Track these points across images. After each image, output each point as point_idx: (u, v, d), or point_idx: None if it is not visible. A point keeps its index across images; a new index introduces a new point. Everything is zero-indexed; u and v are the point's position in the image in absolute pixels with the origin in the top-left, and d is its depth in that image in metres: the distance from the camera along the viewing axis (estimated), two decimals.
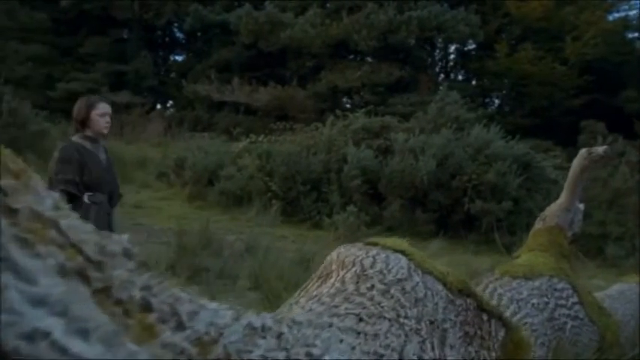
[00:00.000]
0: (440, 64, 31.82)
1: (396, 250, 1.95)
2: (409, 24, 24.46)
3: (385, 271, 1.83)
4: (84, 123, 4.40)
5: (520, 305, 3.23)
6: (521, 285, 3.43)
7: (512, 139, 13.66)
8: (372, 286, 1.74)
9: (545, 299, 3.45)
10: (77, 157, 4.27)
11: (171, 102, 32.33)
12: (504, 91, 29.04)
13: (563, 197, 4.26)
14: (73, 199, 4.09)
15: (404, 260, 1.91)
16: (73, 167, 4.22)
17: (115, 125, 24.25)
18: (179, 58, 34.01)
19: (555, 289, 3.59)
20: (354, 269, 1.85)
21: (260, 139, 15.09)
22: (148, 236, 10.46)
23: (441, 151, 12.95)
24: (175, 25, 31.58)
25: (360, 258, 1.90)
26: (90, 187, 4.26)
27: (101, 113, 4.42)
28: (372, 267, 1.85)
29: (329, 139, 14.14)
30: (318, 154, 13.94)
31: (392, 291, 1.79)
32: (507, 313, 3.13)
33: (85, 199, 4.23)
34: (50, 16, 30.66)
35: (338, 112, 15.51)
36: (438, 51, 31.30)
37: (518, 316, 3.15)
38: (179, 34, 33.16)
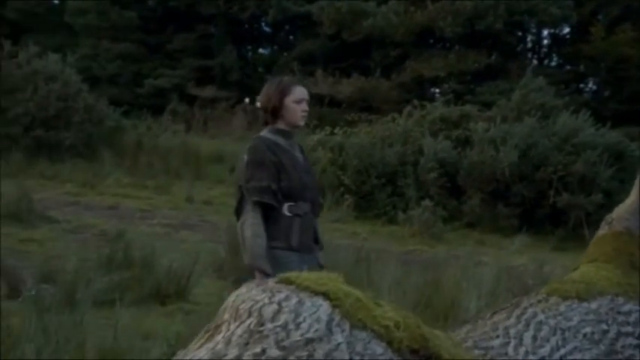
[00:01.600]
0: (532, 50, 30.42)
1: (315, 293, 1.36)
2: (497, 9, 23.38)
3: (291, 326, 1.26)
4: (276, 113, 3.50)
5: (566, 336, 2.55)
6: (571, 308, 2.73)
7: (602, 127, 12.61)
8: (263, 351, 1.16)
9: (604, 326, 2.74)
10: (272, 157, 3.37)
11: (252, 97, 32.09)
12: (600, 76, 27.42)
13: (633, 196, 3.52)
14: (270, 212, 3.35)
15: (324, 308, 1.32)
16: (268, 171, 3.35)
17: (199, 120, 24.22)
18: (264, 52, 33.82)
19: (619, 312, 2.86)
20: (248, 322, 1.28)
21: (336, 131, 14.55)
22: (210, 234, 10.07)
23: (523, 140, 12.08)
24: (260, 18, 31.33)
25: (261, 305, 1.33)
26: (290, 196, 3.39)
27: (297, 99, 3.50)
28: (273, 319, 1.27)
29: (405, 130, 13.46)
30: (393, 146, 13.29)
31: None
32: (546, 349, 2.47)
33: (285, 210, 3.38)
34: (139, 15, 31.00)
35: (415, 102, 14.79)
36: (529, 36, 29.92)
37: (562, 351, 2.47)
38: (264, 28, 32.95)
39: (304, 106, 3.52)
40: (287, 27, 32.10)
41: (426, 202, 11.71)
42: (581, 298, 2.82)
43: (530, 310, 2.66)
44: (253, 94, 33.41)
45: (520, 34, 28.75)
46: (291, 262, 3.25)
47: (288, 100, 3.47)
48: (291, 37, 32.22)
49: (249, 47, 34.29)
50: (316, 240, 3.60)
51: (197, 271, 7.41)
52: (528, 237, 11.18)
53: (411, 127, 13.49)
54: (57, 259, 7.55)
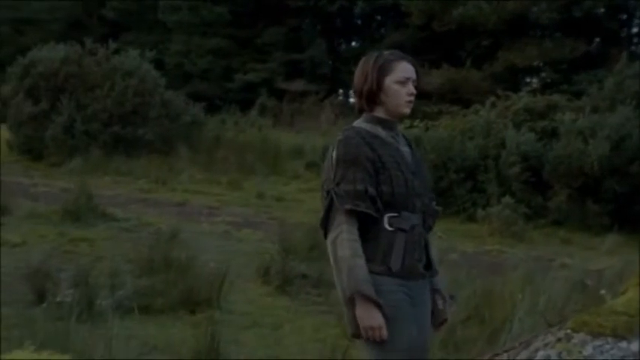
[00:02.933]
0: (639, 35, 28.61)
1: None
2: None
3: None
4: (373, 97, 2.68)
5: None
6: (602, 349, 2.09)
7: None
8: None
9: None
10: (369, 153, 2.57)
11: (343, 90, 31.74)
12: None
13: None
14: (365, 225, 2.56)
15: None
16: (364, 171, 2.55)
17: (286, 114, 23.97)
18: (353, 44, 33.33)
19: None
20: None
21: (415, 123, 13.86)
22: (273, 233, 9.62)
23: (616, 132, 11.07)
24: (349, 10, 30.84)
25: None
26: (392, 204, 2.59)
27: (401, 79, 2.65)
28: None
29: (487, 121, 12.64)
30: (474, 139, 12.51)
31: None
32: None
33: (386, 223, 2.59)
34: (229, 10, 31.07)
35: (500, 92, 13.93)
36: (636, 20, 28.14)
37: None
38: (353, 20, 32.44)
39: (410, 88, 2.66)
40: (376, 19, 31.45)
41: (506, 199, 10.90)
42: (617, 335, 2.17)
43: (541, 354, 2.03)
44: (342, 87, 33.16)
45: (624, 17, 27.06)
46: (391, 292, 2.55)
47: (389, 81, 2.65)
48: (381, 29, 31.56)
49: (339, 40, 33.84)
50: (429, 262, 2.72)
51: (243, 274, 6.99)
52: (620, 236, 10.23)
53: (494, 119, 12.66)
54: (101, 261, 7.29)
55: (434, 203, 2.84)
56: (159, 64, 31.78)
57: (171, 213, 10.85)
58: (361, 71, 2.71)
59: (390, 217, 2.59)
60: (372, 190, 2.55)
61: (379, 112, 2.69)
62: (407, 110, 2.70)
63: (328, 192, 2.58)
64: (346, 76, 30.92)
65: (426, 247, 2.71)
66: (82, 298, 5.35)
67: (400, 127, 2.79)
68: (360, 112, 2.74)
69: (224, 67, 31.20)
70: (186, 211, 11.24)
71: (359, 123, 2.71)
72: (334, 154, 2.60)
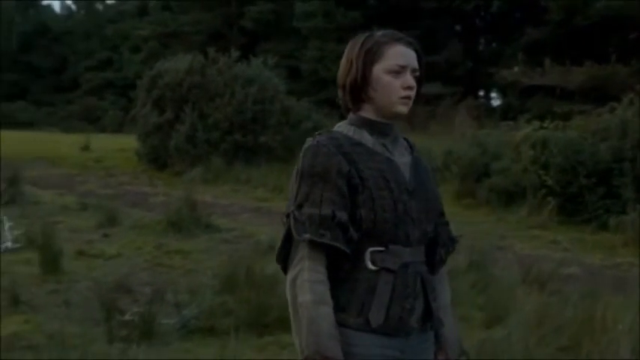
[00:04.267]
0: None
1: None
2: None
3: None
4: (358, 92, 2.06)
5: None
6: None
7: None
8: None
9: None
10: (342, 166, 1.95)
11: (482, 91, 30.71)
12: None
13: None
14: (337, 262, 1.96)
15: None
16: (333, 190, 1.94)
17: (419, 118, 23.37)
18: (489, 44, 32.17)
19: None
20: None
21: (545, 124, 12.93)
22: None
23: None
24: (484, 8, 29.77)
25: None
26: (375, 234, 1.96)
27: (393, 67, 2.02)
28: None
29: (623, 121, 11.53)
30: (608, 140, 11.43)
31: None
32: None
33: (367, 260, 1.96)
34: (363, 14, 30.86)
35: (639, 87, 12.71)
36: None
37: None
38: (489, 19, 31.30)
39: (407, 80, 2.02)
40: (514, 16, 30.17)
41: None
42: None
43: None
44: (480, 89, 32.11)
45: None
46: (369, 355, 1.95)
47: (379, 70, 2.01)
48: (519, 26, 30.25)
49: (475, 40, 32.79)
50: (429, 311, 2.04)
51: None
52: None
53: (630, 118, 11.53)
54: (190, 274, 7.10)
55: (447, 230, 2.21)
56: (294, 72, 32.27)
57: (280, 222, 10.58)
58: (345, 59, 2.09)
59: (373, 253, 1.96)
60: (341, 215, 1.92)
61: (367, 112, 2.07)
62: (402, 109, 2.04)
63: (288, 216, 1.98)
64: (484, 77, 29.93)
65: (425, 290, 2.03)
66: (147, 316, 5.10)
67: (397, 131, 2.13)
68: (347, 110, 2.13)
69: None
70: None
71: (340, 126, 2.11)
72: (298, 166, 2.02)
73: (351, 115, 2.11)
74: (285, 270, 1.99)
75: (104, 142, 20.11)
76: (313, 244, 1.91)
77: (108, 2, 54.36)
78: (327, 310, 1.89)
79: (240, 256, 7.07)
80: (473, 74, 30.77)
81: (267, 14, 34.62)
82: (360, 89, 2.05)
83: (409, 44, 2.08)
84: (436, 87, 28.02)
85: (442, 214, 2.21)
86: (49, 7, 57.52)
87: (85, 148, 18.88)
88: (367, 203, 1.95)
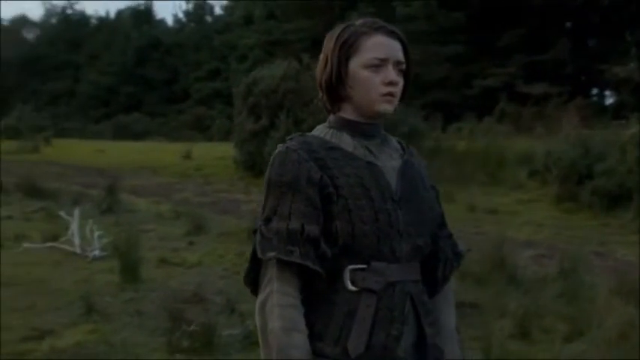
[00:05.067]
0: None
1: None
2: None
3: None
4: (335, 90, 1.84)
5: None
6: None
7: None
8: None
9: None
10: (315, 174, 1.73)
11: (595, 90, 29.46)
12: None
13: None
14: (315, 280, 1.73)
15: None
16: (303, 201, 1.71)
17: (526, 119, 22.64)
18: (599, 40, 30.80)
19: None
20: None
21: None
22: (477, 249, 8.79)
23: None
24: (594, 4, 28.49)
25: None
26: (355, 250, 1.72)
27: (372, 61, 1.78)
28: None
29: None
30: None
31: None
32: None
33: (346, 279, 1.73)
34: (466, 15, 30.25)
35: None
36: None
37: None
38: (599, 14, 29.95)
39: (388, 75, 1.77)
40: (626, 10, 28.72)
41: None
42: None
43: None
44: (590, 88, 30.82)
45: None
46: None
47: (355, 65, 1.78)
48: (632, 20, 28.82)
49: (584, 37, 31.46)
50: (422, 337, 1.77)
51: None
52: None
53: None
54: None
55: (450, 243, 1.94)
56: None
57: None
58: (322, 54, 1.86)
59: (354, 271, 1.71)
60: (311, 229, 1.68)
61: (346, 112, 1.84)
62: (385, 107, 1.79)
63: (255, 232, 1.77)
64: (594, 75, 28.64)
65: (417, 313, 1.76)
66: (210, 327, 5.02)
67: (381, 132, 1.87)
68: (329, 112, 1.91)
69: (462, 73, 30.38)
70: None
71: (317, 129, 1.90)
72: (265, 176, 1.81)
73: (330, 117, 1.89)
74: (254, 292, 1.77)
75: (206, 151, 20.46)
76: (282, 263, 1.69)
77: (216, 14, 55.71)
78: (299, 338, 1.66)
79: None
80: (582, 72, 29.53)
81: (366, 15, 34.49)
82: (337, 87, 1.82)
83: (391, 33, 1.82)
84: (543, 87, 27.11)
85: (443, 225, 1.96)
86: (162, 22, 59.24)
87: (187, 156, 19.24)
88: (343, 215, 1.71)
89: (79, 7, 68.56)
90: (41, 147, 22.07)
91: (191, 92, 46.93)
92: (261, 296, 1.71)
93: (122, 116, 42.79)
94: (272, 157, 1.79)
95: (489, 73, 29.45)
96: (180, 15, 57.41)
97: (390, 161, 1.83)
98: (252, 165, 15.79)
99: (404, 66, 1.83)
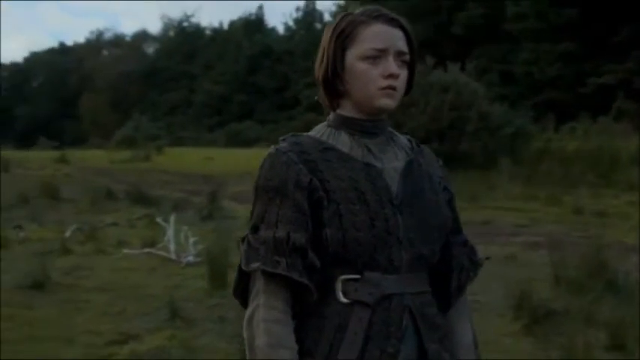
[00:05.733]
0: None
1: None
2: None
3: None
4: (333, 86, 1.68)
5: None
6: None
7: None
8: None
9: None
10: (303, 177, 1.59)
11: None
12: None
13: None
14: (302, 295, 1.59)
15: None
16: (292, 207, 1.58)
17: None
18: None
19: None
20: None
21: None
22: (570, 256, 8.41)
23: None
24: None
25: None
26: (347, 259, 1.58)
27: (369, 52, 1.63)
28: None
29: None
30: None
31: None
32: None
33: (338, 291, 1.59)
34: (578, 12, 29.20)
35: None
36: None
37: None
38: None
39: (388, 67, 1.61)
40: None
41: None
42: None
43: None
44: None
45: None
46: None
47: (352, 56, 1.64)
48: None
49: None
50: (425, 358, 1.60)
51: (498, 307, 6.06)
52: None
53: None
54: None
55: (465, 251, 1.76)
56: (507, 76, 31.19)
57: (469, 233, 10.10)
58: (320, 46, 1.70)
59: (346, 282, 1.57)
60: (297, 238, 1.54)
61: (345, 109, 1.69)
62: (385, 102, 1.63)
63: (243, 240, 1.63)
64: None
65: (417, 328, 1.59)
66: None
67: (386, 130, 1.72)
68: (332, 109, 1.73)
69: (575, 71, 29.31)
70: (488, 231, 10.40)
71: (315, 129, 1.74)
72: (255, 181, 1.65)
73: (330, 115, 1.74)
74: (243, 304, 1.65)
75: None
76: (269, 275, 1.55)
77: (325, 20, 56.14)
78: (285, 355, 1.53)
79: None
80: None
81: (477, 19, 33.78)
82: (334, 82, 1.67)
83: (391, 21, 1.65)
84: None
85: (457, 230, 1.78)
86: (273, 30, 60.34)
87: None
88: (334, 221, 1.56)
89: (194, 19, 70.59)
90: (153, 155, 22.84)
91: (301, 99, 47.48)
92: (248, 310, 1.59)
93: (235, 124, 43.85)
94: (263, 160, 1.66)
95: (605, 70, 28.31)
96: (291, 23, 58.25)
97: (393, 162, 1.68)
98: None
99: (407, 57, 1.66)
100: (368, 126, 1.68)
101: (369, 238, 1.56)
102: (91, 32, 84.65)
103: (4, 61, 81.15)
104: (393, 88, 1.63)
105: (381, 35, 1.63)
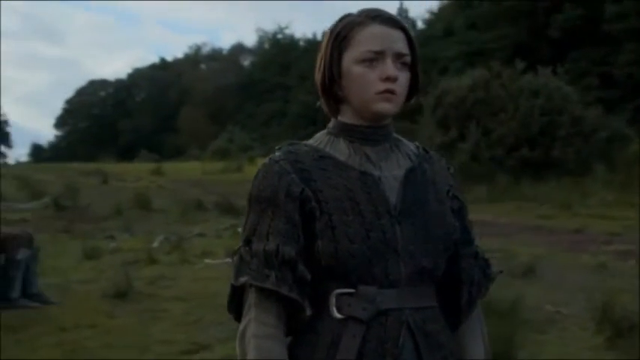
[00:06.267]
0: None
1: None
2: None
3: None
4: (331, 91, 1.63)
5: None
6: None
7: None
8: None
9: None
10: (295, 188, 1.53)
11: None
12: None
13: None
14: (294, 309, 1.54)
15: None
16: (282, 218, 1.52)
17: None
18: None
19: None
20: None
21: None
22: None
23: None
24: None
25: None
26: (340, 272, 1.51)
27: (365, 55, 1.56)
28: None
29: None
30: None
31: None
32: None
33: (332, 305, 1.52)
34: None
35: None
36: None
37: None
38: None
39: (385, 70, 1.54)
40: None
41: None
42: None
43: None
44: None
45: None
46: None
47: (349, 60, 1.58)
48: None
49: None
50: None
51: (582, 318, 5.82)
52: None
53: None
54: None
55: (475, 264, 1.66)
56: (606, 78, 30.09)
57: (560, 242, 9.85)
58: (320, 51, 1.64)
59: (340, 296, 1.50)
60: (286, 251, 1.49)
61: (345, 116, 1.62)
62: (384, 107, 1.55)
63: (235, 253, 1.58)
64: None
65: (417, 346, 1.50)
66: None
67: (390, 137, 1.62)
68: (333, 114, 1.67)
69: None
70: (579, 239, 10.07)
71: (315, 137, 1.66)
72: (249, 192, 1.60)
73: (330, 122, 1.67)
74: (237, 318, 1.60)
75: None
76: (260, 289, 1.50)
77: (418, 28, 55.79)
78: None
79: None
80: None
81: (574, 20, 32.79)
82: (331, 87, 1.60)
83: (389, 21, 1.57)
84: None
85: (467, 242, 1.67)
86: None
87: None
88: (326, 232, 1.49)
89: (288, 31, 71.43)
90: (245, 166, 23.18)
91: None
92: (241, 325, 1.55)
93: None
94: (257, 170, 1.61)
95: None
96: None
97: (394, 170, 1.59)
98: None
99: (408, 58, 1.58)
100: (368, 133, 1.61)
101: (364, 250, 1.49)
102: (190, 47, 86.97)
103: (110, 78, 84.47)
104: (392, 92, 1.55)
105: (378, 36, 1.55)
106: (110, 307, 6.72)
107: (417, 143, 1.73)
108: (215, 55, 70.59)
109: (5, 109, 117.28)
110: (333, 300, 1.51)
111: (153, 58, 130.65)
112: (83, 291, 7.38)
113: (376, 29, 1.56)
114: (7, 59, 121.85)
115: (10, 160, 55.13)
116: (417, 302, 1.53)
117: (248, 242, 1.55)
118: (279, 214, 1.52)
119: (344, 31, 1.58)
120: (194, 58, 72.39)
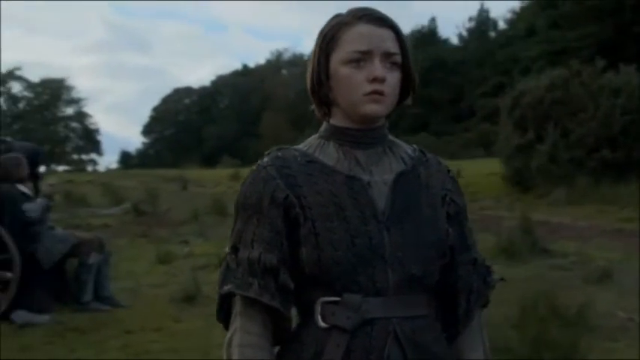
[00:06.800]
0: None
1: None
2: None
3: None
4: (319, 95, 1.60)
5: None
6: None
7: None
8: None
9: None
10: (279, 193, 1.51)
11: None
12: None
13: None
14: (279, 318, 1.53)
15: None
16: (267, 226, 1.50)
17: None
18: None
19: None
20: None
21: None
22: None
23: None
24: None
25: None
26: (324, 280, 1.48)
27: (351, 55, 1.52)
28: None
29: None
30: None
31: None
32: None
33: (317, 314, 1.49)
34: None
35: None
36: None
37: None
38: None
39: (373, 70, 1.50)
40: None
41: None
42: None
43: None
44: None
45: None
46: None
47: (336, 61, 1.54)
48: None
49: None
50: None
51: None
52: None
53: None
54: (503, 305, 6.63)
55: (473, 271, 1.60)
56: None
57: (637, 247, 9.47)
58: (311, 55, 1.59)
59: (325, 305, 1.47)
60: (268, 259, 1.46)
61: (336, 119, 1.58)
62: (372, 109, 1.50)
63: (222, 262, 1.58)
64: None
65: (405, 356, 1.45)
66: None
67: (385, 139, 1.59)
68: (324, 117, 1.63)
69: None
70: None
71: (306, 141, 1.63)
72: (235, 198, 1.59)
73: (322, 126, 1.64)
74: (225, 326, 1.58)
75: (476, 167, 20.15)
76: (245, 297, 1.49)
77: (499, 28, 54.91)
78: None
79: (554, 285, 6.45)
80: None
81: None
82: (321, 90, 1.57)
83: (377, 20, 1.52)
84: None
85: (464, 248, 1.60)
86: (446, 41, 59.77)
87: (457, 175, 19.12)
88: (309, 239, 1.46)
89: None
90: None
91: (476, 109, 46.66)
92: (228, 333, 1.53)
93: (409, 137, 43.75)
94: (246, 176, 1.60)
95: None
96: (465, 33, 57.47)
97: (385, 174, 1.54)
98: (520, 180, 15.22)
99: (398, 57, 1.53)
100: (359, 136, 1.56)
101: (349, 257, 1.45)
102: (272, 53, 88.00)
103: (195, 85, 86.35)
104: (380, 93, 1.50)
105: (365, 36, 1.51)
106: (177, 311, 6.83)
107: (414, 146, 1.68)
108: (296, 61, 71.16)
109: (96, 118, 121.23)
110: (318, 308, 1.48)
111: (236, 65, 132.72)
112: (152, 295, 7.53)
113: (363, 28, 1.52)
114: (98, 70, 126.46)
115: (101, 167, 57.20)
116: (406, 311, 1.48)
117: (235, 250, 1.54)
118: (263, 222, 1.50)
119: (331, 32, 1.55)
120: (275, 64, 73.21)
